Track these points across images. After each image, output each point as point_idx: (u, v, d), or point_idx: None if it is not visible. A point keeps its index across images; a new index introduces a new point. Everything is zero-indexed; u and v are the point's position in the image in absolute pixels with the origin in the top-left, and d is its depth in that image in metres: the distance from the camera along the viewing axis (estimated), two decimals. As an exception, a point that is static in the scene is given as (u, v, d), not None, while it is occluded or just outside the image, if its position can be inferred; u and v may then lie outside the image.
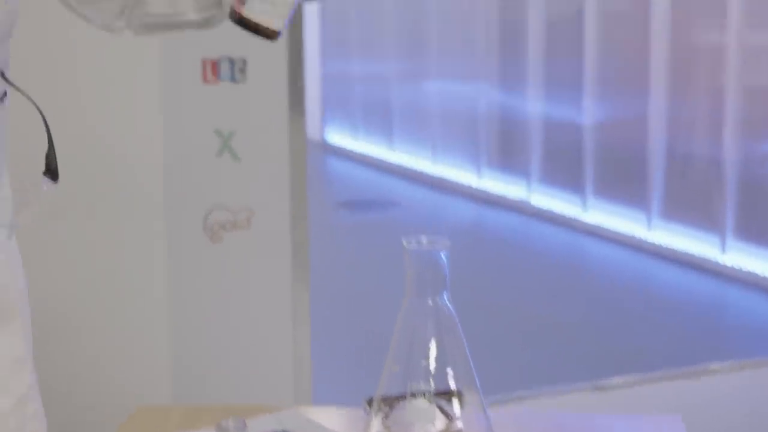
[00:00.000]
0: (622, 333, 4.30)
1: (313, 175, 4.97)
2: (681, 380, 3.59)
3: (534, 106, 6.32)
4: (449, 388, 1.45)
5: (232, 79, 2.80)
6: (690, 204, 5.40)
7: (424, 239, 1.48)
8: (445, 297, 1.46)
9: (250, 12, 1.33)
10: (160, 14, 1.43)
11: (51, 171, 1.30)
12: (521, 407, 2.09)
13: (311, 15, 7.75)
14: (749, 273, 4.91)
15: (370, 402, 1.50)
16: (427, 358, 1.44)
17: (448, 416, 1.46)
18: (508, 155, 6.56)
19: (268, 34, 1.34)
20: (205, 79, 2.79)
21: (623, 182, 5.83)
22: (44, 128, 1.30)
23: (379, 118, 7.27)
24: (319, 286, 3.49)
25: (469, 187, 6.58)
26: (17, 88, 1.29)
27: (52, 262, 2.64)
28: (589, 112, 5.95)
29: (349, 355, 3.83)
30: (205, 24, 1.45)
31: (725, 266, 5.01)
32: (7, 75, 1.30)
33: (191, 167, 2.85)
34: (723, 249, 5.09)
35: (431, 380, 1.44)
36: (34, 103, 1.28)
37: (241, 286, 2.90)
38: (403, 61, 7.28)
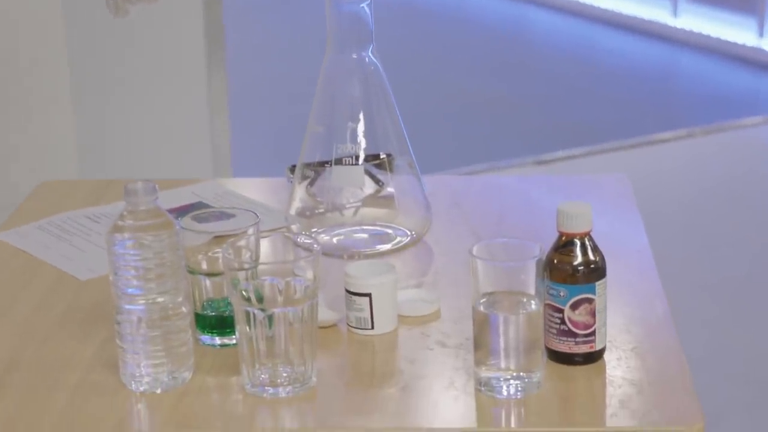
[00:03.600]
0: (567, 106, 4.21)
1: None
2: (628, 151, 3.52)
3: None
4: (378, 151, 1.35)
5: None
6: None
7: (346, -11, 1.36)
8: (371, 51, 1.34)
9: None
10: None
11: None
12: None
13: None
14: (701, 35, 4.80)
15: (292, 169, 1.39)
16: (353, 119, 1.33)
17: (378, 181, 1.36)
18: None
19: None
20: None
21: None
22: None
23: None
24: (237, 64, 3.34)
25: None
26: None
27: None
28: None
29: (271, 138, 3.73)
30: None
31: (676, 29, 4.90)
32: None
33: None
34: (675, 13, 4.96)
35: (359, 143, 1.33)
36: None
37: (151, 63, 2.74)
38: None
